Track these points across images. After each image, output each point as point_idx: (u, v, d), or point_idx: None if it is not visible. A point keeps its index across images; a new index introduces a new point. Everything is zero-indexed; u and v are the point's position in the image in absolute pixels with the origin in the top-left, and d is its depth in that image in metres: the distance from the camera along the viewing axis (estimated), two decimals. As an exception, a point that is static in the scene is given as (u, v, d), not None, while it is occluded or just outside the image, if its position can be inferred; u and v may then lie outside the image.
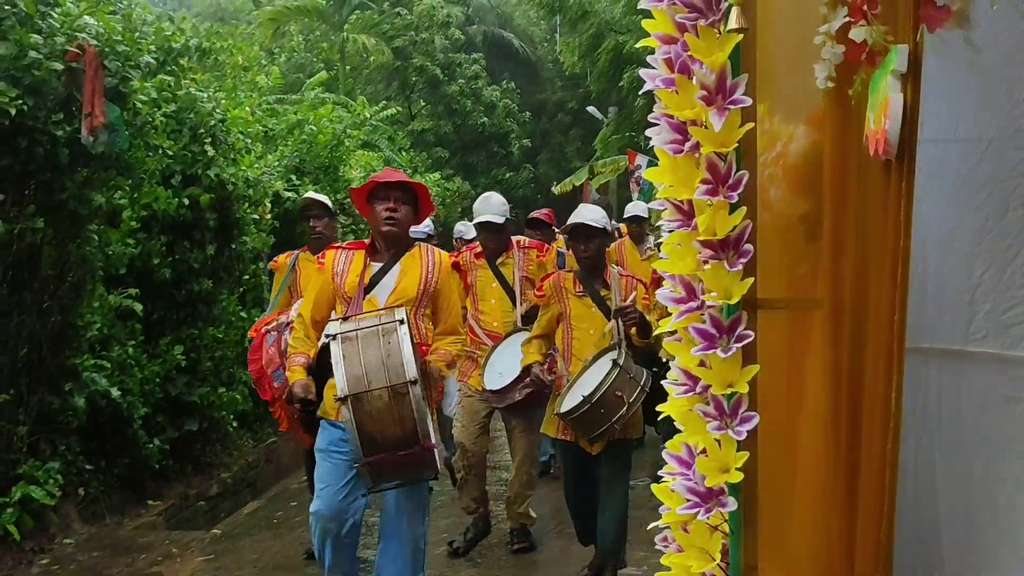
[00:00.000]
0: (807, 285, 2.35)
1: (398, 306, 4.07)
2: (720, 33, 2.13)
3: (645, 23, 2.27)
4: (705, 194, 2.18)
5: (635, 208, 8.93)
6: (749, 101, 2.13)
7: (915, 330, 2.03)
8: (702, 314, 2.26)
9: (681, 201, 2.27)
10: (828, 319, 2.19)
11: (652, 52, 2.29)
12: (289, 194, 9.40)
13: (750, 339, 2.21)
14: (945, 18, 1.49)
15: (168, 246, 7.68)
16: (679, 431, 2.36)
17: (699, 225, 2.21)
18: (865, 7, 1.65)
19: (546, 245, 6.64)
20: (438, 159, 25.51)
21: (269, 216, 8.94)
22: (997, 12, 1.46)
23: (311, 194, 6.49)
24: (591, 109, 23.66)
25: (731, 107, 2.14)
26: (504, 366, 5.73)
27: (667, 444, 2.40)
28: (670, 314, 2.37)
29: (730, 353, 2.21)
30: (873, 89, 1.88)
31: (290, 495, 8.00)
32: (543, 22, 28.24)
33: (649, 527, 2.48)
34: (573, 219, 5.22)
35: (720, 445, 2.25)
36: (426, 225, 7.84)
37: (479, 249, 6.29)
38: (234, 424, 8.58)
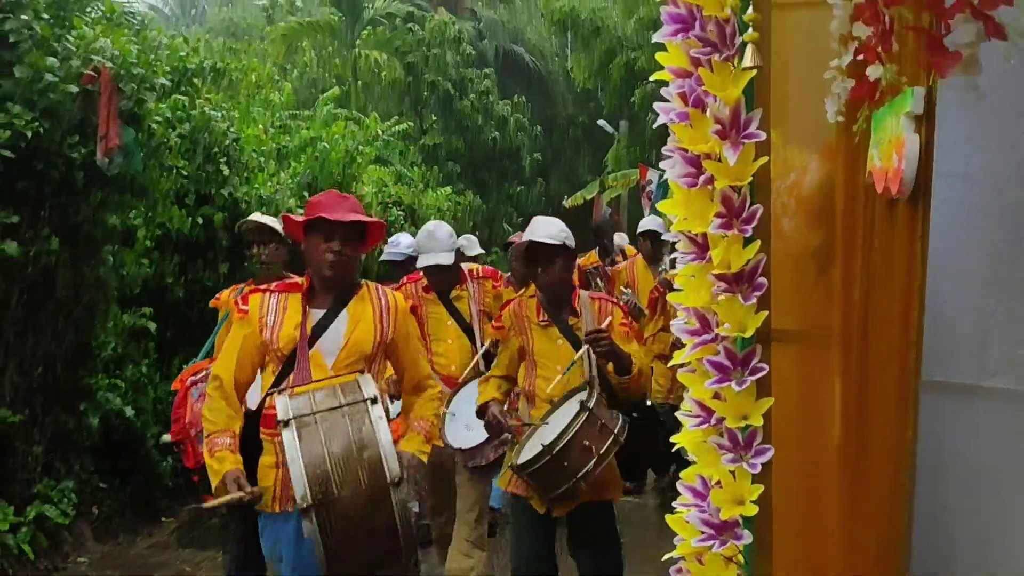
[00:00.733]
0: (820, 316, 2.35)
1: (358, 369, 3.35)
2: (734, 68, 2.14)
3: (659, 56, 2.28)
4: (719, 228, 2.18)
5: (650, 223, 7.86)
6: (763, 136, 2.14)
7: (928, 364, 2.03)
8: (716, 346, 2.27)
9: (695, 234, 2.27)
10: (840, 351, 2.19)
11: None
12: (301, 211, 9.42)
13: (764, 372, 2.22)
14: (954, 63, 1.50)
15: (182, 266, 7.72)
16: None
17: (713, 258, 2.22)
18: (879, 48, 1.66)
19: (500, 273, 5.78)
20: (449, 173, 25.55)
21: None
22: (1005, 56, 1.47)
23: (255, 216, 5.38)
24: (602, 123, 23.69)
25: (745, 141, 2.15)
26: (470, 418, 4.68)
27: (682, 475, 2.40)
28: (677, 347, 2.38)
29: (744, 386, 2.21)
30: (877, 127, 1.89)
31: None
32: (554, 37, 28.30)
33: (664, 558, 2.48)
34: (526, 236, 4.28)
35: (735, 477, 2.25)
36: (408, 245, 6.95)
37: (426, 282, 5.37)
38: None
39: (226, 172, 7.60)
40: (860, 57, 1.79)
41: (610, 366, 4.08)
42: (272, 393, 3.30)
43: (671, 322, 2.44)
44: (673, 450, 2.41)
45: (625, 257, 8.45)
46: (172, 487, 7.38)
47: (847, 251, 2.16)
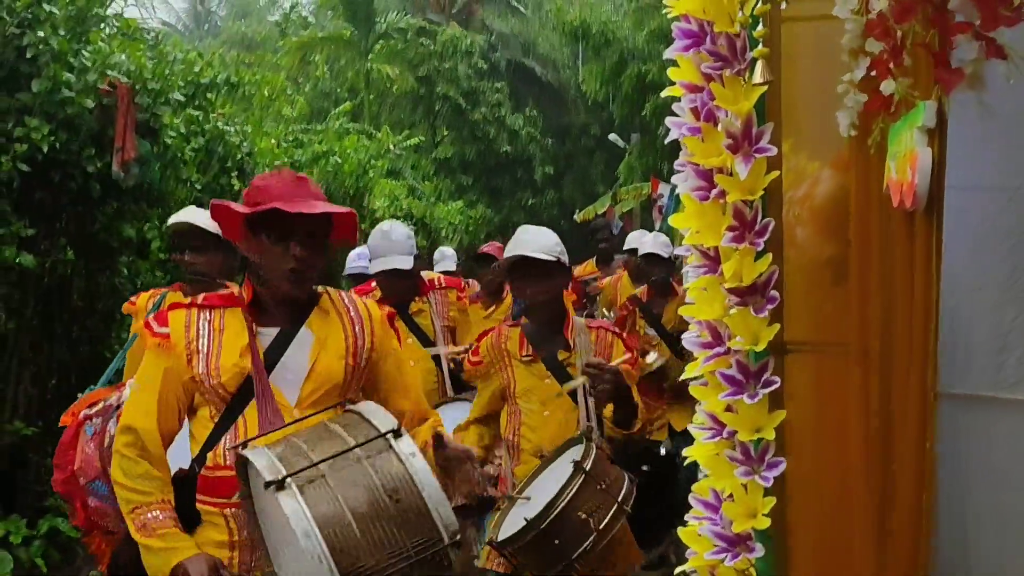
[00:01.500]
0: (834, 328, 2.35)
1: (330, 406, 2.53)
2: (745, 82, 2.15)
3: (671, 71, 2.30)
4: (732, 241, 2.19)
5: (653, 243, 6.41)
6: (775, 150, 2.14)
7: (945, 376, 2.03)
8: (729, 359, 2.27)
9: (707, 247, 2.28)
10: (857, 364, 2.19)
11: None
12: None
13: (777, 385, 2.22)
14: (959, 80, 1.51)
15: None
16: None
17: (725, 271, 2.22)
18: (890, 63, 1.67)
19: (465, 282, 5.30)
20: (461, 185, 25.64)
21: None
22: (1007, 76, 1.48)
23: (185, 215, 4.21)
24: (613, 137, 23.72)
25: (757, 155, 2.16)
26: None
27: (694, 488, 2.41)
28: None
29: (757, 399, 2.21)
30: (893, 139, 1.90)
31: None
32: (566, 49, 28.38)
33: (676, 571, 2.48)
34: (512, 250, 3.55)
35: (747, 490, 2.25)
36: (360, 255, 6.06)
37: (379, 294, 4.54)
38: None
39: (239, 185, 7.64)
40: (874, 72, 1.80)
41: (608, 409, 3.40)
42: (234, 448, 2.41)
43: (688, 346, 2.36)
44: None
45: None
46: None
47: (862, 264, 2.17)
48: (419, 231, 12.83)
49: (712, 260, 2.28)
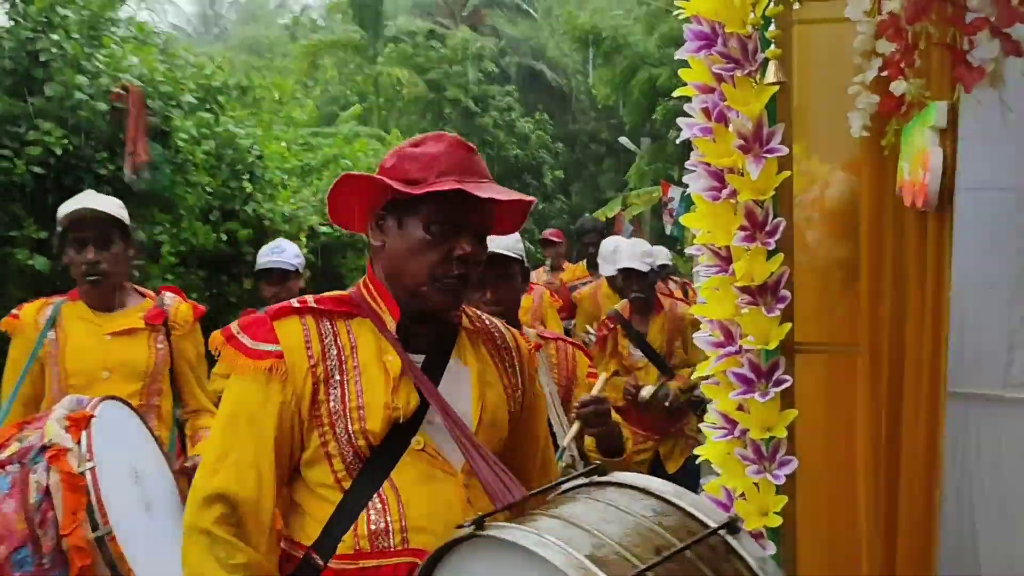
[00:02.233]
0: (845, 328, 2.36)
1: (595, 469, 1.57)
2: (756, 83, 2.17)
3: (683, 72, 2.31)
4: (743, 240, 2.21)
5: (630, 255, 5.29)
6: (786, 150, 2.16)
7: (953, 375, 2.04)
8: (740, 358, 2.28)
9: (719, 247, 2.30)
10: (869, 363, 2.20)
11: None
12: (325, 228, 9.51)
13: (788, 384, 2.23)
14: (979, 78, 1.53)
15: (206, 280, 7.79)
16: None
17: (737, 271, 2.24)
18: (902, 63, 1.68)
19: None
20: (471, 190, 25.62)
21: (305, 250, 9.05)
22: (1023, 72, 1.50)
23: (84, 199, 3.39)
24: (624, 140, 23.73)
25: (768, 155, 2.17)
26: None
27: (706, 487, 2.42)
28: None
29: (768, 397, 2.22)
30: (906, 140, 1.91)
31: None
32: (576, 54, 28.41)
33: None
34: None
35: (759, 489, 2.26)
36: (295, 254, 5.00)
37: None
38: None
39: (249, 189, 7.68)
40: (884, 73, 1.81)
41: (589, 441, 2.78)
42: (473, 523, 1.37)
43: (700, 345, 2.36)
44: None
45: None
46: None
47: (874, 264, 2.18)
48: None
49: (724, 259, 2.29)
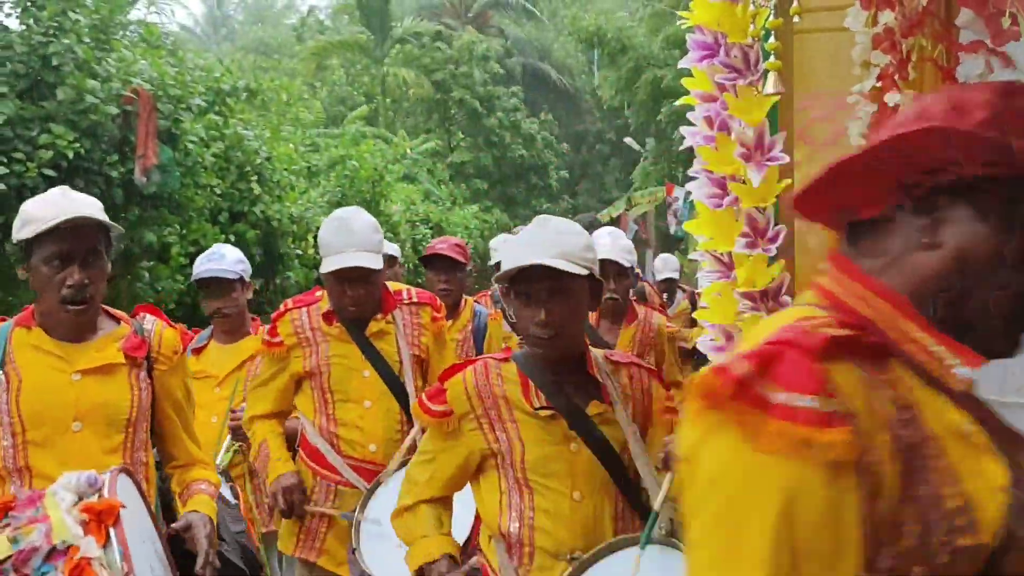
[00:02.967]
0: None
1: None
2: (758, 92, 2.21)
3: (686, 81, 2.36)
4: (745, 247, 2.25)
5: (611, 246, 4.03)
6: (787, 158, 2.20)
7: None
8: (742, 363, 2.32)
9: (721, 253, 2.34)
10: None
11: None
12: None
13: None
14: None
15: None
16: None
17: (739, 277, 2.28)
18: (896, 76, 1.73)
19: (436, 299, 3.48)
20: (476, 191, 25.76)
21: (312, 251, 9.12)
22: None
23: (60, 201, 2.52)
24: (629, 141, 23.79)
25: (769, 163, 2.22)
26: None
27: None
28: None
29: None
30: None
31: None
32: (581, 55, 28.48)
33: None
34: (521, 254, 2.26)
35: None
36: (237, 260, 4.13)
37: (323, 305, 3.19)
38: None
39: (257, 190, 7.75)
40: (880, 84, 1.86)
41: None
42: None
43: (703, 349, 2.38)
44: None
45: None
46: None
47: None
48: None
49: (726, 266, 2.33)
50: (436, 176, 20.51)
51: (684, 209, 15.60)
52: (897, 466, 1.00)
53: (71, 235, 2.34)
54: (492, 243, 5.64)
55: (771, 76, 2.05)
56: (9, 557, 1.84)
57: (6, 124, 5.27)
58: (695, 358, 6.55)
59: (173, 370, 2.60)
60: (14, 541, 1.87)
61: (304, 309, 3.20)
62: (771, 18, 2.13)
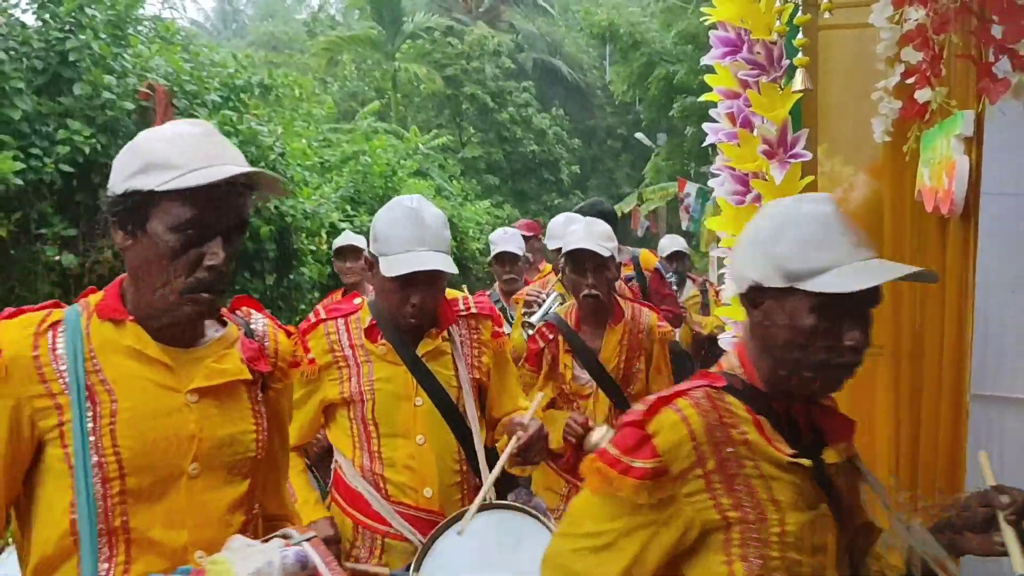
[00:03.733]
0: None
1: None
2: (781, 89, 2.20)
3: (708, 78, 2.35)
4: (767, 244, 2.24)
5: (585, 235, 3.40)
6: (809, 155, 2.19)
7: (975, 378, 2.07)
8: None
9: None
10: (891, 367, 2.23)
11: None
12: (344, 225, 9.59)
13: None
14: (1003, 90, 1.56)
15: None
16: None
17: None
18: (928, 72, 1.72)
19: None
20: (488, 186, 25.75)
21: (325, 247, 9.12)
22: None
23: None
24: (640, 136, 23.76)
25: (792, 160, 2.21)
26: None
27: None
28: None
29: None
30: (927, 146, 1.94)
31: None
32: (593, 50, 28.43)
33: None
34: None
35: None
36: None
37: (364, 317, 2.66)
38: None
39: (272, 186, 7.77)
40: (909, 80, 1.84)
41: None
42: None
43: (724, 347, 2.42)
44: None
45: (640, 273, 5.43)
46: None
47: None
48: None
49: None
50: (447, 171, 20.51)
51: (696, 205, 15.59)
52: None
53: (219, 197, 1.64)
54: (491, 236, 5.90)
55: (799, 73, 2.05)
56: None
57: (23, 120, 5.28)
58: (705, 349, 6.52)
59: (287, 390, 1.96)
60: None
61: (341, 320, 2.64)
62: (799, 14, 2.12)
